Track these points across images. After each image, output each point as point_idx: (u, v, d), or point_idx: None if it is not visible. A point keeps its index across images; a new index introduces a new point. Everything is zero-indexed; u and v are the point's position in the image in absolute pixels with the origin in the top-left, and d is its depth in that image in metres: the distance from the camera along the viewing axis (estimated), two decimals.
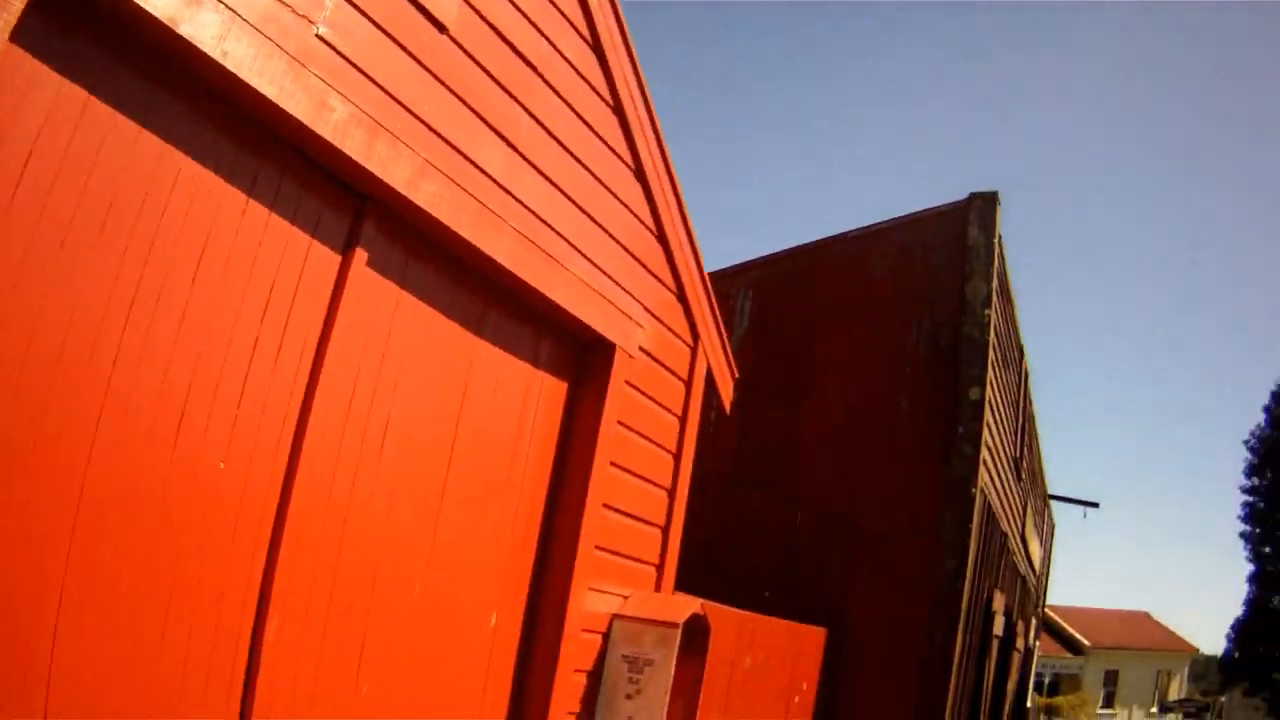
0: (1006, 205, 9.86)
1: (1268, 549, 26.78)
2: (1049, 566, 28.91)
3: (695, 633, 5.27)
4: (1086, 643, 47.36)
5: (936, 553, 9.09)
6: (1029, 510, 17.42)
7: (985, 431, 9.67)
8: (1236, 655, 27.30)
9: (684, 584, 6.83)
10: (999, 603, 12.30)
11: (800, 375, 10.14)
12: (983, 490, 9.84)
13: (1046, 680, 45.56)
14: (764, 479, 9.93)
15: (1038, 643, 29.12)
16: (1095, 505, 27.08)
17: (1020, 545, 16.59)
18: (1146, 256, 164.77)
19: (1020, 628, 18.48)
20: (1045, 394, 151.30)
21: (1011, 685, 18.14)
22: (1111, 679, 48.13)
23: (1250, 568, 27.24)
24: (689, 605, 5.10)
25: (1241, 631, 27.01)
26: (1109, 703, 47.76)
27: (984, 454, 9.65)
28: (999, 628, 12.73)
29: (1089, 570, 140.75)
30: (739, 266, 10.86)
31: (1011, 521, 14.22)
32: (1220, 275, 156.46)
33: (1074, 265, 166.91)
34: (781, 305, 10.49)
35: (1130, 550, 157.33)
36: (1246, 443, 27.09)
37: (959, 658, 9.28)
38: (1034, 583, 22.36)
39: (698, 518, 9.79)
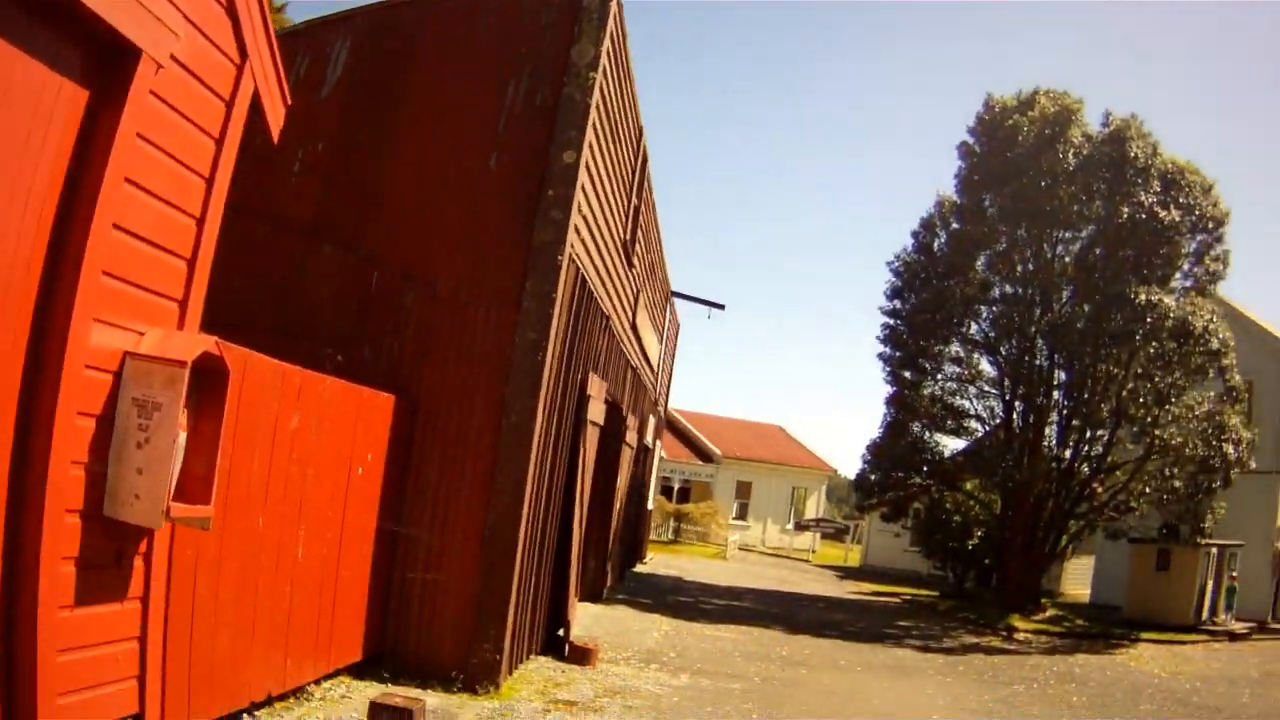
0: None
1: (907, 373, 30.94)
2: (671, 365, 31.88)
3: (215, 377, 5.51)
4: (718, 451, 53.44)
5: (518, 321, 10.13)
6: (642, 301, 19.20)
7: (580, 199, 10.66)
8: (872, 478, 31.00)
9: (255, 345, 7.07)
10: (597, 388, 13.88)
11: (391, 130, 10.86)
12: (574, 261, 10.98)
13: (677, 486, 51.44)
14: (346, 235, 10.57)
15: (659, 442, 33.10)
16: (721, 307, 29.92)
17: (631, 335, 18.38)
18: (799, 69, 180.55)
19: (633, 422, 20.64)
20: (715, 206, 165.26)
21: (623, 480, 20.58)
22: (744, 490, 54.72)
23: (888, 389, 31.34)
24: (202, 343, 5.33)
25: (877, 453, 30.69)
26: (742, 514, 54.42)
27: (577, 222, 10.69)
28: (597, 414, 14.39)
29: (730, 383, 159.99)
30: (341, 14, 11.36)
31: (618, 307, 15.82)
32: (888, 98, 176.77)
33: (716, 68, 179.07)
34: (380, 57, 11.10)
35: (772, 366, 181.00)
36: (890, 264, 31.06)
37: (540, 435, 10.42)
38: (651, 379, 24.53)
39: (271, 271, 10.34)
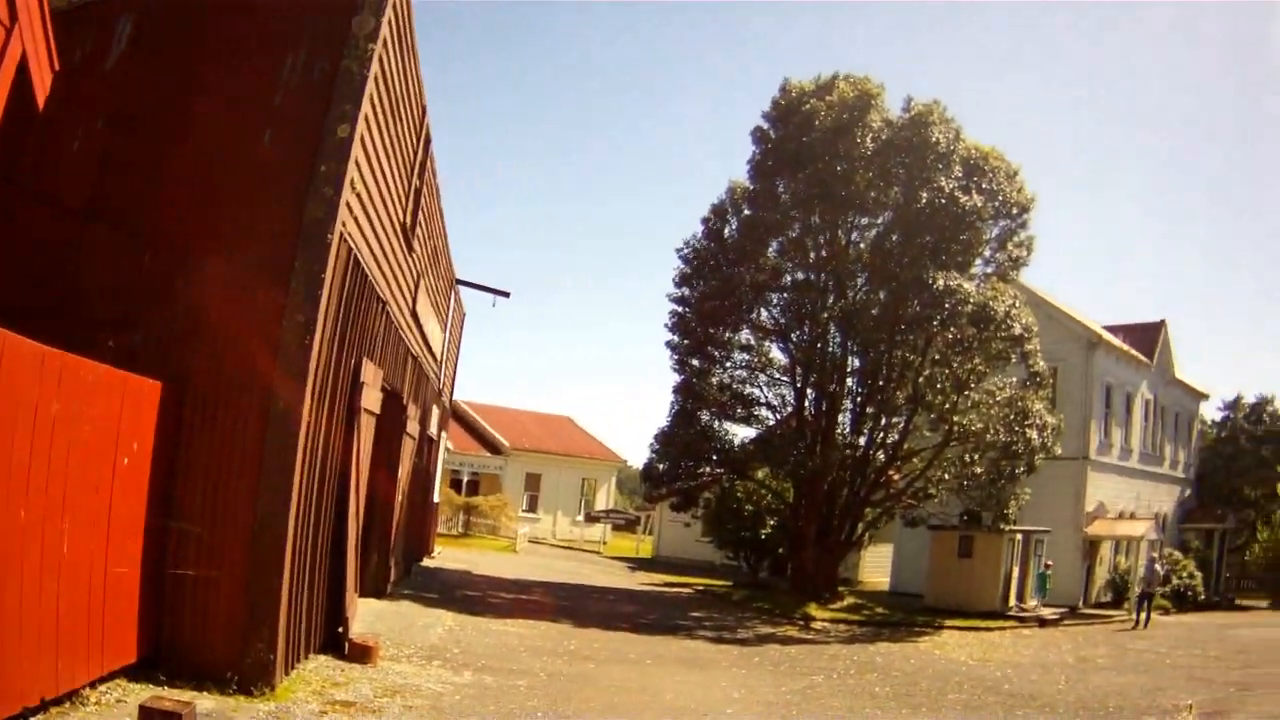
0: None
1: (695, 360, 32.41)
2: (456, 355, 32.26)
3: None
4: (507, 443, 55.34)
5: (286, 303, 10.34)
6: (424, 287, 19.55)
7: (354, 175, 10.98)
8: (660, 467, 32.32)
9: (25, 329, 7.13)
10: (372, 375, 14.12)
11: (173, 107, 10.97)
12: (346, 241, 11.28)
13: (466, 479, 53.00)
14: (126, 215, 10.58)
15: (444, 434, 33.38)
16: (505, 294, 30.13)
17: (412, 322, 18.72)
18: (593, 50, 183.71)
19: (415, 412, 20.94)
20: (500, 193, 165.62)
21: (405, 471, 20.87)
22: (534, 483, 56.81)
23: (676, 378, 32.85)
24: None
25: (665, 442, 32.05)
26: (533, 506, 56.37)
27: (350, 200, 10.99)
28: (373, 402, 14.61)
29: (519, 374, 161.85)
30: None
31: (397, 292, 16.09)
32: (684, 84, 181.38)
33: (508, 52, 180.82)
34: (163, 33, 11.31)
35: (562, 356, 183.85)
36: (679, 252, 32.44)
37: (309, 423, 10.64)
38: (435, 369, 24.87)
39: (44, 251, 10.37)
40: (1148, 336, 45.00)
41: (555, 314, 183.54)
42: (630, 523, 60.50)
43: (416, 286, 18.79)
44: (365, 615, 16.49)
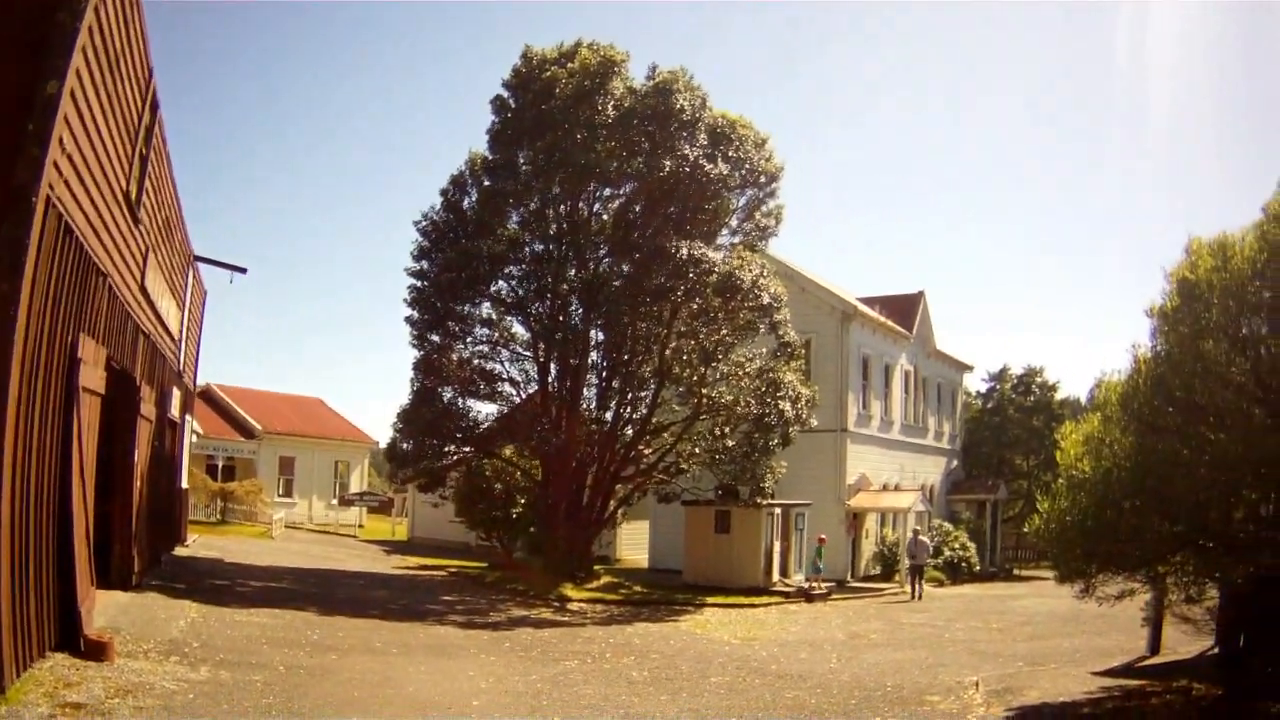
0: None
1: (434, 336, 33.26)
2: (198, 335, 32.61)
3: None
4: (259, 427, 56.35)
5: None
6: (155, 262, 19.55)
7: (64, 135, 10.89)
8: (404, 447, 33.36)
9: None
10: (93, 352, 14.07)
11: None
12: (56, 206, 11.13)
13: (221, 464, 53.83)
14: None
15: (189, 417, 32.77)
16: (242, 270, 31.16)
17: (141, 298, 18.80)
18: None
19: (149, 394, 21.05)
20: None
21: (142, 456, 20.73)
22: (288, 466, 58.05)
23: (416, 354, 33.75)
24: None
25: (407, 421, 33.06)
26: (288, 491, 57.53)
27: (59, 160, 10.86)
28: (95, 382, 14.50)
29: (270, 356, 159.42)
30: None
31: (121, 265, 16.07)
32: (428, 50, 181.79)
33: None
34: None
35: (310, 337, 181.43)
36: (418, 224, 33.27)
37: (18, 403, 10.44)
38: (173, 348, 24.95)
39: None
40: (906, 308, 47.64)
41: (299, 292, 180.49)
42: (384, 505, 61.66)
43: (145, 260, 18.77)
44: (108, 608, 16.48)
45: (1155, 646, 20.07)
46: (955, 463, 54.40)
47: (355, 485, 62.89)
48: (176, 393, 28.06)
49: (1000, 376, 63.13)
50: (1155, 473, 13.14)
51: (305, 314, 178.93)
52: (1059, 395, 61.93)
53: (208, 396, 57.14)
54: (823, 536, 35.86)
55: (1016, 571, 51.37)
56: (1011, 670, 18.52)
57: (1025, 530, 61.46)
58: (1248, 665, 14.07)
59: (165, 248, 21.79)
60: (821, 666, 18.42)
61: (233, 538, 41.97)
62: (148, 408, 21.28)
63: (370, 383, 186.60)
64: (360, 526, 57.88)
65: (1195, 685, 15.35)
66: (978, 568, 44.44)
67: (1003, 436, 59.70)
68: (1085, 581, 14.44)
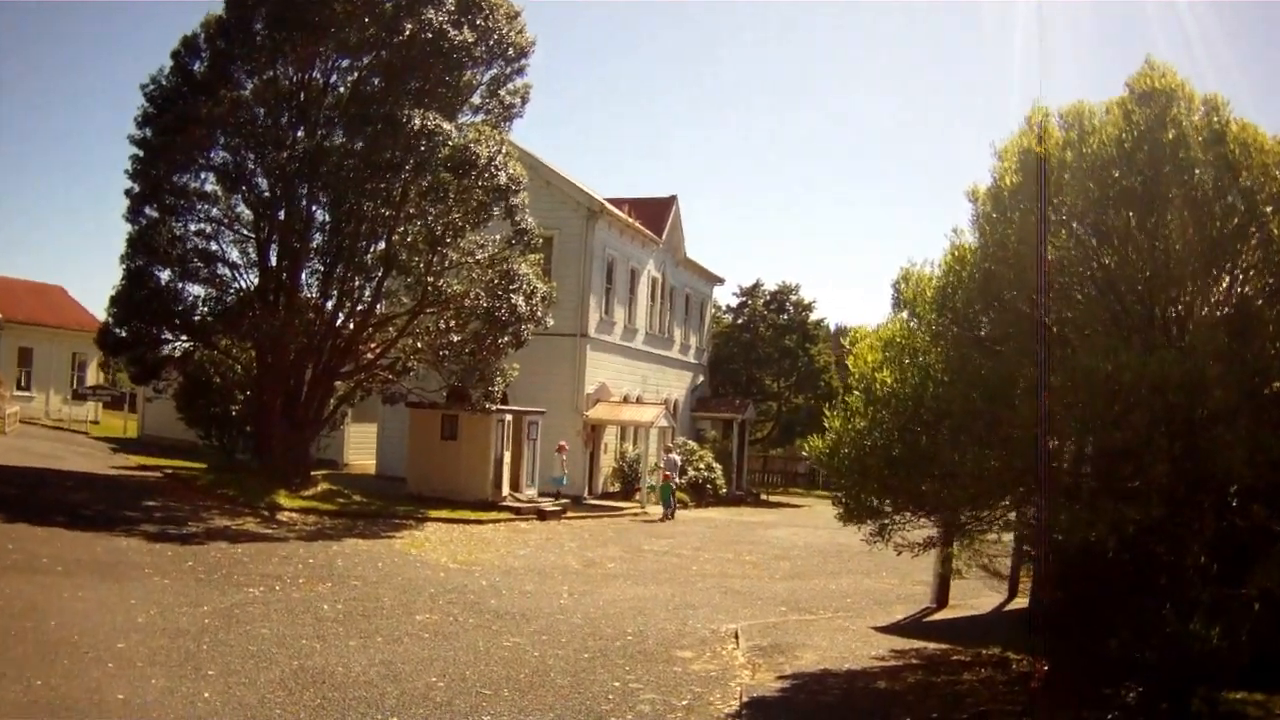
0: None
1: (149, 209, 29.58)
2: None
3: None
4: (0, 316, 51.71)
5: None
6: None
7: None
8: (119, 333, 30.01)
9: None
10: None
11: None
12: None
13: None
14: None
15: None
16: None
17: None
18: None
19: None
20: None
21: None
22: (26, 357, 54.61)
23: (130, 229, 29.75)
24: None
25: (119, 304, 29.54)
26: (27, 384, 54.31)
27: None
28: None
29: (13, 238, 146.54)
30: None
31: None
32: None
33: None
34: None
35: (55, 219, 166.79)
36: (144, 89, 29.55)
37: None
38: None
39: None
40: (657, 212, 45.08)
41: (39, 169, 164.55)
42: (119, 400, 57.05)
43: None
44: None
45: (943, 598, 17.91)
46: (702, 379, 52.67)
47: (93, 378, 59.13)
48: None
49: (753, 292, 61.09)
50: (986, 393, 10.14)
51: (47, 192, 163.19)
52: (814, 316, 60.56)
53: None
54: (564, 444, 33.97)
55: (764, 496, 50.13)
56: (776, 619, 16.15)
57: (776, 452, 61.30)
58: (1067, 631, 10.99)
59: None
60: (550, 603, 16.11)
61: None
62: None
63: (114, 272, 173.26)
64: (94, 423, 54.60)
65: (1011, 655, 12.61)
66: (724, 490, 42.92)
67: (753, 354, 57.94)
68: (877, 522, 11.64)
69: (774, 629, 14.95)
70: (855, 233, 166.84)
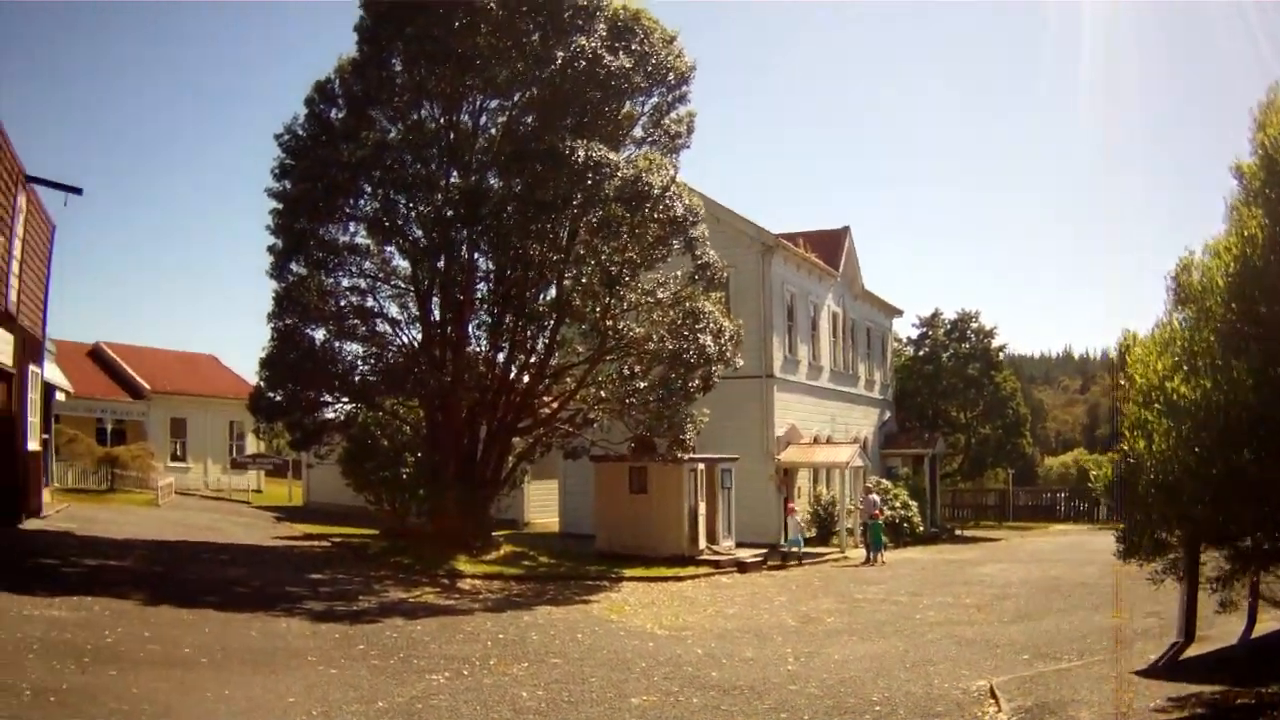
0: None
1: (295, 265, 28.48)
2: (45, 273, 28.96)
3: None
4: (148, 386, 52.60)
5: None
6: None
7: None
8: (273, 397, 29.16)
9: None
10: None
11: None
12: None
13: (110, 428, 50.36)
14: None
15: (38, 369, 28.54)
16: (77, 191, 26.56)
17: None
18: None
19: None
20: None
21: None
22: (180, 428, 54.58)
23: (275, 287, 28.82)
24: None
25: (271, 367, 28.73)
26: (182, 454, 54.14)
27: None
28: None
29: (163, 314, 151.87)
30: None
31: None
32: None
33: None
34: None
35: (205, 297, 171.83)
36: (279, 138, 28.53)
37: None
38: None
39: None
40: (830, 244, 43.24)
41: (195, 246, 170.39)
42: (281, 468, 56.99)
43: None
44: None
45: (1190, 631, 15.25)
46: (889, 414, 50.40)
47: (252, 446, 58.24)
48: (4, 335, 23.73)
49: (932, 321, 59.23)
50: None
51: (198, 268, 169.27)
52: (994, 343, 58.44)
53: (97, 356, 54.14)
54: (793, 505, 32.77)
55: (958, 531, 47.59)
56: (1025, 670, 14.08)
57: (967, 485, 58.98)
58: None
59: None
60: (777, 671, 13.87)
61: (115, 507, 37.53)
62: None
63: (261, 332, 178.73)
64: (256, 492, 54.11)
65: None
66: (921, 529, 40.78)
67: (937, 385, 55.95)
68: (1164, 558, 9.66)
69: (1030, 683, 12.80)
70: (1021, 251, 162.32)
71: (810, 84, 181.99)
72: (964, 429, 56.67)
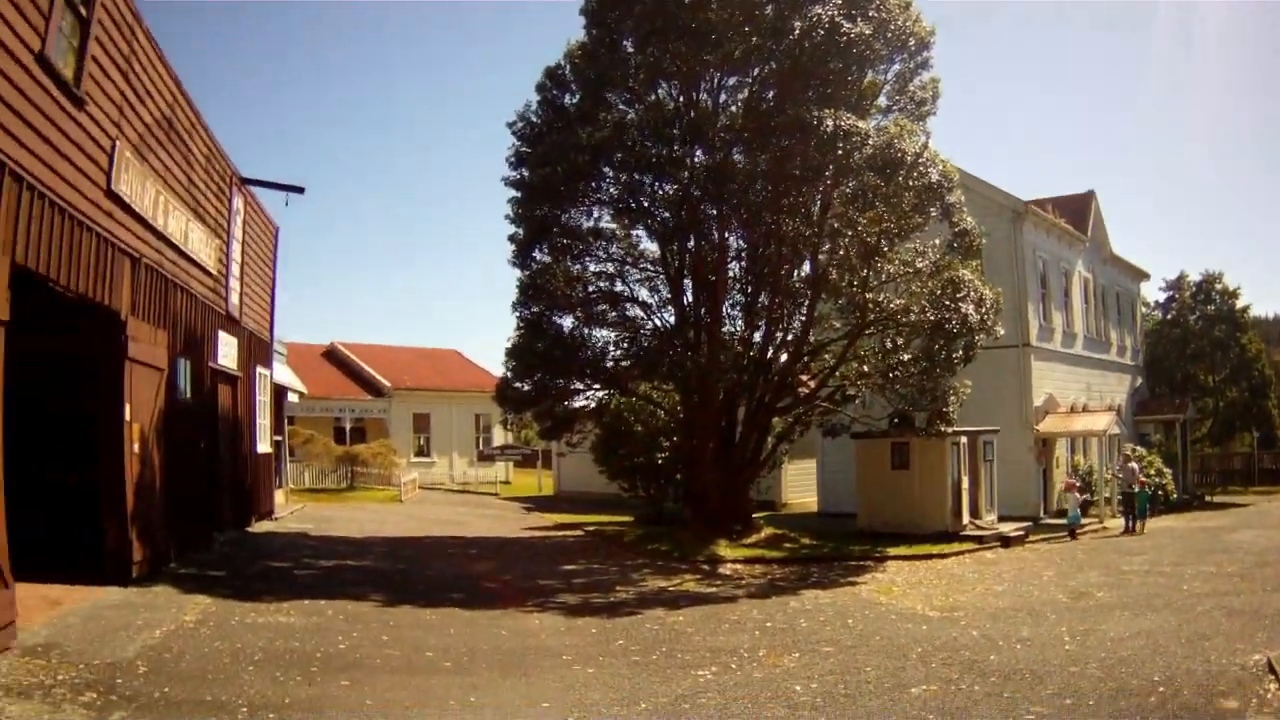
0: None
1: (538, 253, 28.59)
2: (272, 278, 30.11)
3: None
4: (388, 383, 54.37)
5: None
6: (137, 165, 16.34)
7: None
8: (520, 387, 29.21)
9: None
10: None
11: None
12: None
13: (349, 426, 52.32)
14: None
15: (266, 371, 29.50)
16: (299, 190, 27.45)
17: (114, 207, 15.49)
18: None
19: (156, 337, 17.68)
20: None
21: (151, 414, 17.33)
22: (423, 423, 55.96)
23: (519, 275, 29.10)
24: None
25: (518, 357, 28.72)
26: (425, 450, 55.69)
27: None
28: None
29: (401, 309, 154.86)
30: None
31: (48, 155, 12.91)
32: None
33: None
34: None
35: (440, 284, 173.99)
36: (512, 126, 28.79)
37: None
38: (208, 284, 21.68)
39: None
40: (1077, 209, 41.64)
41: (416, 239, 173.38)
42: (530, 458, 57.72)
43: (113, 157, 15.17)
44: (84, 610, 13.50)
45: None
46: (1139, 380, 48.52)
47: (499, 438, 58.96)
48: (227, 339, 24.05)
49: (1178, 285, 57.62)
50: None
51: (437, 269, 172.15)
52: (1238, 304, 56.52)
53: (332, 356, 56.56)
54: (1071, 481, 32.00)
55: (1207, 498, 45.46)
56: None
57: (1214, 450, 56.76)
58: None
59: (170, 153, 18.31)
60: (1055, 653, 12.92)
61: (354, 505, 38.60)
62: (146, 351, 17.07)
63: (508, 330, 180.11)
64: (505, 483, 55.02)
65: None
66: (1175, 496, 39.17)
67: (1185, 350, 54.58)
68: None
69: None
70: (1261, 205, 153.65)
71: (1034, 43, 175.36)
72: (1211, 393, 54.80)
